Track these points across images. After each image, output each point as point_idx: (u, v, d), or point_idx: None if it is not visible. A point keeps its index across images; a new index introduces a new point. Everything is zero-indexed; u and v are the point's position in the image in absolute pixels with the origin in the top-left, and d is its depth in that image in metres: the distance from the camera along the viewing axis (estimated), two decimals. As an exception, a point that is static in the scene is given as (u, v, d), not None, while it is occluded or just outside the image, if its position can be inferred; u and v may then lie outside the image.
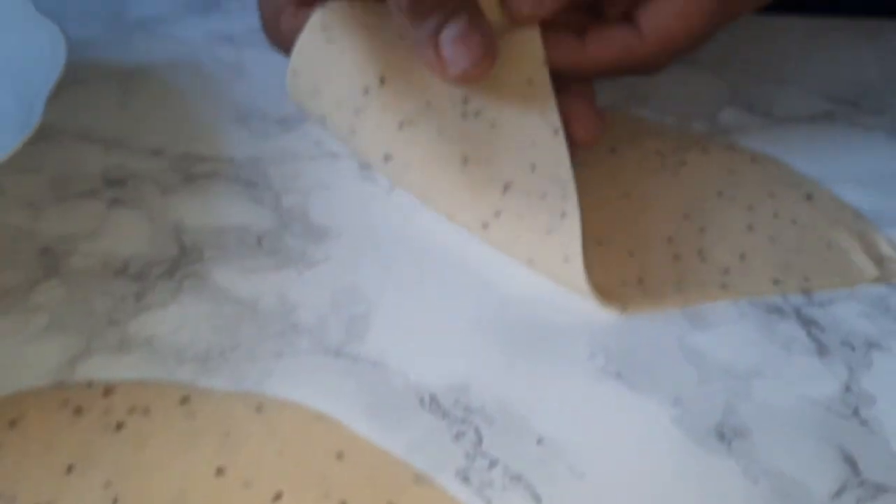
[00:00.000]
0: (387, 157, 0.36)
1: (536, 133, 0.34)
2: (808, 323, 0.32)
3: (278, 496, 0.26)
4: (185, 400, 0.29)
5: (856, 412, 0.29)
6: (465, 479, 0.27)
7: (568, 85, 0.36)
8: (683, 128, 0.43)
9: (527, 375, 0.30)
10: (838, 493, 0.27)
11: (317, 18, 0.37)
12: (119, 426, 0.28)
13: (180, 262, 0.34)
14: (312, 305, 0.32)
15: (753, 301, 0.33)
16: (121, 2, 0.51)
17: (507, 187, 0.34)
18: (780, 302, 0.33)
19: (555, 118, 0.35)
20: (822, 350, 0.31)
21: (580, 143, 0.36)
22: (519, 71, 0.36)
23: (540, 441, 0.28)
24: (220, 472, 0.27)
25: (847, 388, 0.30)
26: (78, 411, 0.28)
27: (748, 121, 0.43)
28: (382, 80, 0.36)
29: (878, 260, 0.35)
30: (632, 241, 0.35)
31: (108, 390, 0.29)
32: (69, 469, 0.26)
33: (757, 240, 0.36)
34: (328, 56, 0.37)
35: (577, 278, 0.32)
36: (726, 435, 0.28)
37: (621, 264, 0.34)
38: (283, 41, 0.40)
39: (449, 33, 0.34)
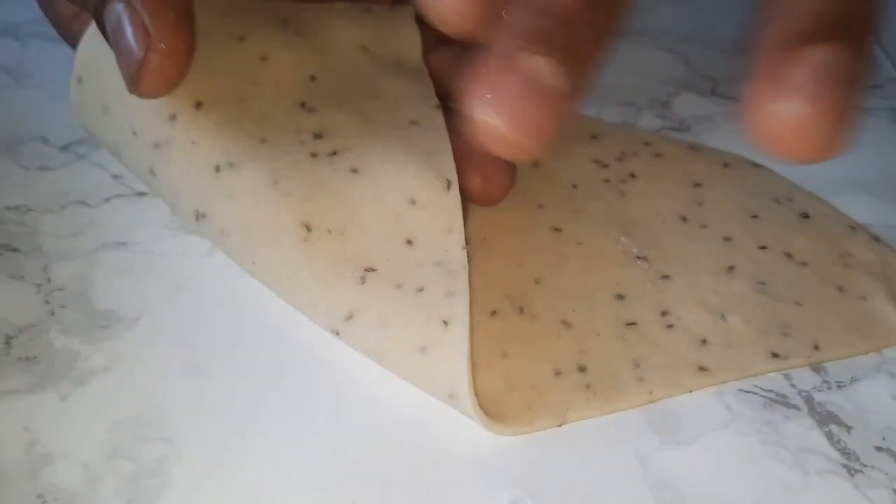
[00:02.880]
0: (199, 216, 0.24)
1: (418, 188, 0.23)
2: (825, 419, 0.22)
3: None
4: None
5: (913, 569, 0.19)
6: None
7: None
8: (628, 124, 0.32)
9: (413, 552, 0.19)
10: None
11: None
12: None
13: None
14: (78, 453, 0.21)
15: (745, 388, 0.23)
16: None
17: (367, 273, 0.23)
18: (783, 385, 0.23)
19: (448, 166, 0.24)
20: (851, 464, 0.21)
21: (479, 200, 0.25)
22: (398, 110, 0.26)
23: None
24: None
25: (896, 528, 0.20)
26: None
27: (711, 109, 0.33)
28: (198, 105, 0.24)
29: (910, 307, 0.25)
30: (566, 302, 0.25)
31: None
32: None
33: (741, 288, 0.25)
34: None
35: (471, 414, 0.21)
36: None
37: (553, 342, 0.23)
38: (72, 36, 0.28)
39: (110, 23, 0.22)
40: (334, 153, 0.24)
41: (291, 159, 0.24)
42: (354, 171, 0.24)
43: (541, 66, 0.15)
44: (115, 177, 0.28)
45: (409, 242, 0.23)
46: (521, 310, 0.24)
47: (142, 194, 0.28)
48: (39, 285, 0.25)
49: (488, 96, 0.15)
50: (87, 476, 0.20)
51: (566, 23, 0.16)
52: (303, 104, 0.26)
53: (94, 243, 0.26)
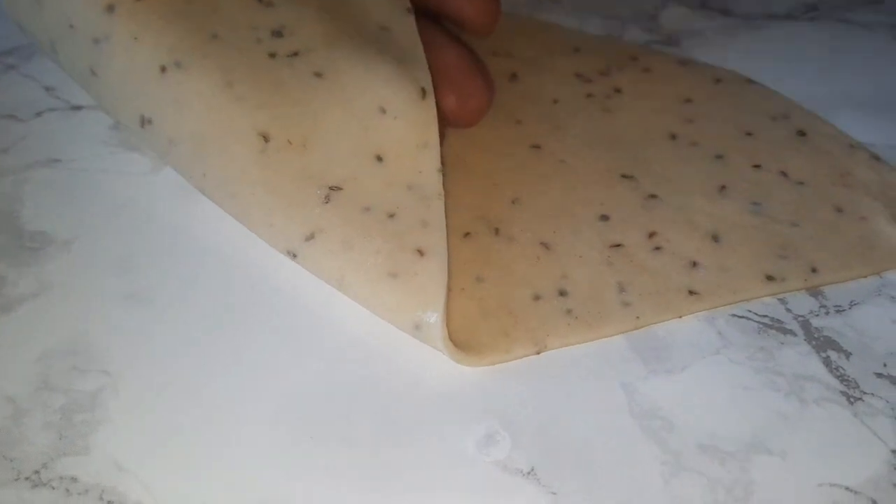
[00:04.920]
0: (144, 122, 0.22)
1: (389, 94, 0.21)
2: (823, 345, 0.21)
3: None
4: None
5: (916, 501, 0.18)
6: None
7: None
8: (613, 37, 0.30)
9: (378, 485, 0.17)
10: None
11: None
12: None
13: None
14: (3, 385, 0.19)
15: (738, 313, 0.21)
16: None
17: (332, 192, 0.20)
18: (779, 310, 0.21)
19: (423, 73, 0.21)
20: (850, 391, 0.20)
21: (452, 121, 0.23)
22: (367, 12, 0.23)
23: None
24: None
25: (898, 459, 0.18)
26: None
27: (703, 22, 0.31)
28: None
29: (912, 228, 0.23)
30: (546, 222, 0.23)
31: None
32: None
33: (734, 209, 0.23)
34: None
35: (441, 347, 0.19)
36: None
37: (531, 265, 0.22)
38: None
39: None
40: (295, 54, 0.22)
41: (246, 59, 0.22)
42: (318, 75, 0.22)
43: None
44: (48, 89, 0.26)
45: (379, 158, 0.21)
46: (497, 231, 0.22)
47: (77, 108, 0.25)
48: (-39, 205, 0.22)
49: None
50: (14, 410, 0.18)
51: None
52: None
53: (23, 160, 0.23)
